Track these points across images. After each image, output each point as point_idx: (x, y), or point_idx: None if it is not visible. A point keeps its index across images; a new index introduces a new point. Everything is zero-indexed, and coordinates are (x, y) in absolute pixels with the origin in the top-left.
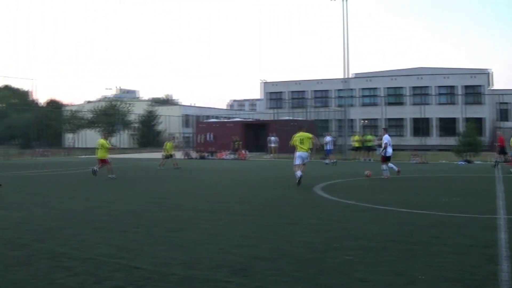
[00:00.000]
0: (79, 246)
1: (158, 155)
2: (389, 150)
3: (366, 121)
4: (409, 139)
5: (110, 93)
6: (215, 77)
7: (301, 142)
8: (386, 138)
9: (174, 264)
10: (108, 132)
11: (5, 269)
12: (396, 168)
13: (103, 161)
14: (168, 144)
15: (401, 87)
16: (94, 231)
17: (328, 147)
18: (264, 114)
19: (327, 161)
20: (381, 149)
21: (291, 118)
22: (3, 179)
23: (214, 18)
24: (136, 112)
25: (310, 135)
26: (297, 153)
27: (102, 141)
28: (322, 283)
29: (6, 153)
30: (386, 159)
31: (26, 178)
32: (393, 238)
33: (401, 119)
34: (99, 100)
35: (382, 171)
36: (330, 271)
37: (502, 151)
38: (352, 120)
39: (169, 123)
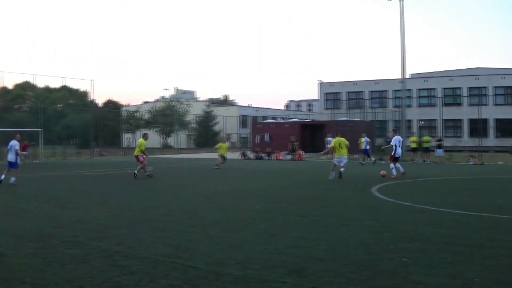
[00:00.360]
0: (135, 245)
1: (215, 155)
2: (398, 151)
3: (423, 121)
4: (466, 140)
5: (168, 93)
6: (272, 78)
7: (340, 147)
8: (395, 139)
9: (229, 264)
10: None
11: (62, 267)
12: (402, 170)
13: (137, 159)
14: (223, 145)
15: (458, 88)
16: (151, 230)
17: (364, 147)
18: (321, 114)
19: (372, 159)
20: (386, 147)
21: (348, 118)
22: (61, 178)
23: (272, 18)
24: (194, 112)
25: (347, 141)
26: (336, 158)
27: (141, 141)
28: (377, 285)
29: (64, 153)
30: (395, 159)
31: (83, 177)
32: (449, 240)
33: (458, 120)
34: (157, 101)
35: (390, 169)
36: (385, 273)
37: None
38: (409, 120)
39: (226, 123)
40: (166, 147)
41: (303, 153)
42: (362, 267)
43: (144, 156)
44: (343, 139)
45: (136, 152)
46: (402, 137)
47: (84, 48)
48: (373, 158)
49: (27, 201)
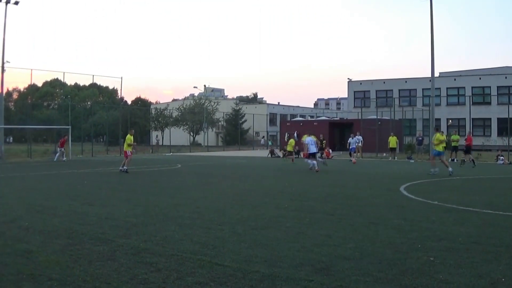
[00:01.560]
0: (163, 242)
1: (243, 153)
2: (311, 148)
3: (451, 120)
4: (495, 140)
5: (197, 91)
6: (301, 76)
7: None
8: (307, 140)
9: (256, 262)
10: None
11: (89, 263)
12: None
13: (125, 154)
14: (292, 141)
15: (487, 87)
16: (178, 227)
17: (352, 146)
18: (350, 113)
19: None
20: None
21: (376, 117)
22: (89, 175)
23: (302, 16)
24: (222, 110)
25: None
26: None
27: (127, 136)
28: (404, 283)
29: (92, 150)
30: (309, 155)
31: (111, 174)
32: (476, 240)
33: (487, 119)
34: (186, 99)
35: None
36: (412, 271)
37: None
38: (438, 119)
39: (254, 121)
40: (194, 145)
41: (331, 152)
42: (389, 266)
43: (132, 151)
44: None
45: (126, 148)
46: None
47: (114, 46)
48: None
49: (55, 198)
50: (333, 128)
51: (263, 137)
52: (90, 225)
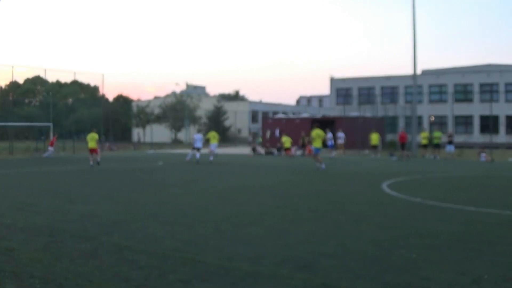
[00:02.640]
0: (145, 239)
1: (226, 150)
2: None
3: (434, 118)
4: (477, 137)
5: (179, 88)
6: (283, 73)
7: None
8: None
9: (239, 259)
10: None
11: (71, 261)
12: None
13: (93, 150)
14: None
15: (470, 84)
16: (161, 225)
17: (330, 142)
18: (332, 110)
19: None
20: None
21: (359, 114)
22: (71, 173)
23: (283, 12)
24: (204, 107)
25: (323, 134)
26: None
27: (93, 134)
28: (386, 281)
29: (74, 147)
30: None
31: (93, 172)
32: (459, 237)
33: (469, 116)
34: (168, 96)
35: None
36: (395, 268)
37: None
38: (420, 117)
39: (236, 118)
40: (176, 142)
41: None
42: (372, 263)
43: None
44: (321, 131)
45: (93, 145)
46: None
47: (95, 42)
48: (333, 153)
49: (37, 196)
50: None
51: (251, 133)
52: (72, 222)
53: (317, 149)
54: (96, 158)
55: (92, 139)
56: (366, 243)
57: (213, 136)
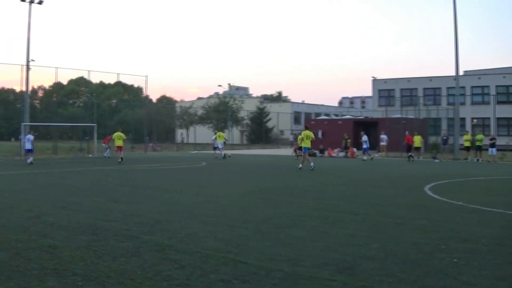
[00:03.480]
0: (187, 239)
1: (268, 151)
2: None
3: (476, 120)
4: None
5: (222, 90)
6: (326, 74)
7: (307, 139)
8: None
9: (279, 260)
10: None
11: (113, 259)
12: None
13: (119, 148)
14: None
15: None
16: (203, 225)
17: (364, 145)
18: (375, 111)
19: (365, 157)
20: None
21: (401, 116)
22: (114, 172)
23: (327, 14)
24: (247, 108)
25: (313, 135)
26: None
27: (120, 133)
28: (427, 284)
29: None
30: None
31: (136, 172)
32: (500, 241)
33: None
34: (211, 97)
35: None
36: (436, 273)
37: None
38: (462, 118)
39: (279, 120)
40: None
41: (356, 151)
42: (413, 266)
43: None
44: (311, 132)
45: (120, 143)
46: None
47: (139, 44)
48: (365, 157)
49: (80, 195)
50: (357, 127)
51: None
52: (115, 221)
53: (306, 149)
54: (120, 155)
55: (119, 137)
56: (407, 247)
57: (219, 135)
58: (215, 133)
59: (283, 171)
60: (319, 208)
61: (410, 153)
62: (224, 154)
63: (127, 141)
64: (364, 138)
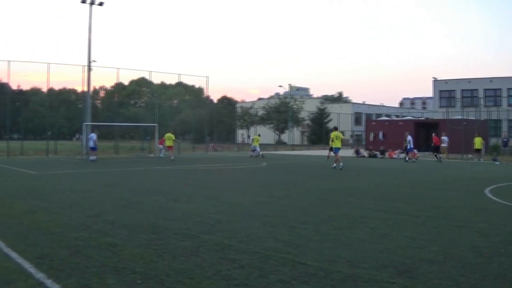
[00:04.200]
0: (247, 239)
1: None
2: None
3: None
4: None
5: (282, 90)
6: (386, 74)
7: (336, 139)
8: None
9: (339, 262)
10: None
11: (173, 258)
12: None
13: (170, 148)
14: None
15: None
16: (262, 225)
17: (409, 146)
18: (435, 113)
19: (407, 158)
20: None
21: (462, 117)
22: (175, 172)
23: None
24: (308, 109)
25: (342, 136)
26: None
27: (170, 134)
28: None
29: (178, 148)
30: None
31: (197, 171)
32: None
33: None
34: (271, 97)
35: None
36: (495, 277)
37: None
38: None
39: (339, 120)
40: (279, 144)
41: (417, 152)
42: (472, 270)
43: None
44: (340, 133)
45: (170, 143)
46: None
47: (200, 45)
48: (407, 158)
49: (141, 194)
50: (418, 128)
51: (351, 136)
52: (175, 220)
53: (336, 149)
54: (169, 155)
55: (169, 138)
56: (467, 250)
57: (256, 139)
58: (252, 136)
59: (343, 172)
60: (379, 209)
61: (435, 153)
62: (262, 154)
63: (188, 141)
64: (409, 138)
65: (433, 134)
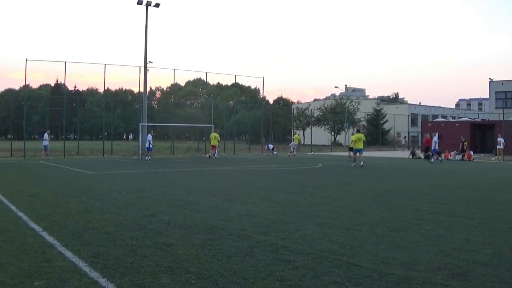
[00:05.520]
0: (301, 240)
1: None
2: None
3: None
4: None
5: (338, 91)
6: (443, 75)
7: (358, 140)
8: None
9: (393, 264)
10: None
11: (227, 259)
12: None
13: (213, 147)
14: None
15: None
16: (317, 226)
17: (433, 147)
18: (492, 114)
19: (432, 160)
20: None
21: None
22: (231, 172)
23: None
24: (363, 110)
25: (364, 137)
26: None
27: (215, 134)
28: None
29: (234, 148)
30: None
31: (253, 172)
32: None
33: None
34: (327, 98)
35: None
36: None
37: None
38: None
39: (396, 122)
40: (335, 145)
41: (473, 154)
42: None
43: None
44: (361, 135)
45: (214, 142)
46: None
47: (256, 46)
48: (432, 159)
49: (196, 194)
50: (474, 129)
51: (405, 137)
52: (230, 221)
53: (358, 150)
54: (213, 153)
55: (214, 138)
56: None
57: (296, 138)
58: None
59: (399, 174)
60: (434, 212)
61: (426, 154)
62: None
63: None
64: (435, 138)
65: (426, 134)
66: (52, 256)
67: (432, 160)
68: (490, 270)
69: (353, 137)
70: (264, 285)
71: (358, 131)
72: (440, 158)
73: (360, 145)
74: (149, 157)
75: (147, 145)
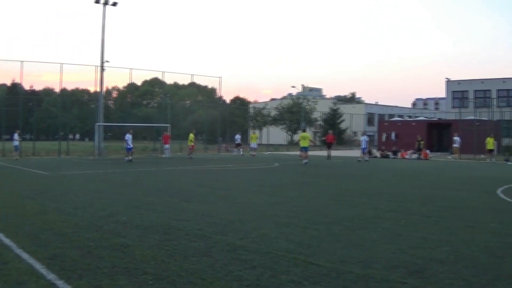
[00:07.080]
0: (259, 240)
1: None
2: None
3: None
4: None
5: (295, 91)
6: (399, 75)
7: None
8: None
9: (351, 262)
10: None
11: (185, 259)
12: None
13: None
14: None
15: None
16: (275, 226)
17: (362, 145)
18: (448, 113)
19: (359, 158)
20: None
21: (475, 118)
22: (188, 172)
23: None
24: (320, 110)
25: (310, 136)
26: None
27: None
28: None
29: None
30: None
31: (210, 172)
32: None
33: None
34: (284, 98)
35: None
36: (507, 277)
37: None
38: None
39: (352, 121)
40: (292, 144)
41: (429, 153)
42: (483, 270)
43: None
44: (307, 134)
45: (190, 143)
46: None
47: (213, 45)
48: (366, 158)
49: (153, 194)
50: (431, 128)
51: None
52: (187, 221)
53: (304, 148)
54: (189, 153)
55: (190, 138)
56: (479, 250)
57: (254, 137)
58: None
59: (355, 173)
60: (391, 210)
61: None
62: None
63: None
64: (365, 138)
65: (329, 131)
66: (8, 258)
67: (360, 159)
68: (447, 267)
69: (299, 136)
70: (221, 285)
71: (303, 131)
72: (366, 158)
73: (305, 143)
74: (129, 158)
75: (125, 145)
